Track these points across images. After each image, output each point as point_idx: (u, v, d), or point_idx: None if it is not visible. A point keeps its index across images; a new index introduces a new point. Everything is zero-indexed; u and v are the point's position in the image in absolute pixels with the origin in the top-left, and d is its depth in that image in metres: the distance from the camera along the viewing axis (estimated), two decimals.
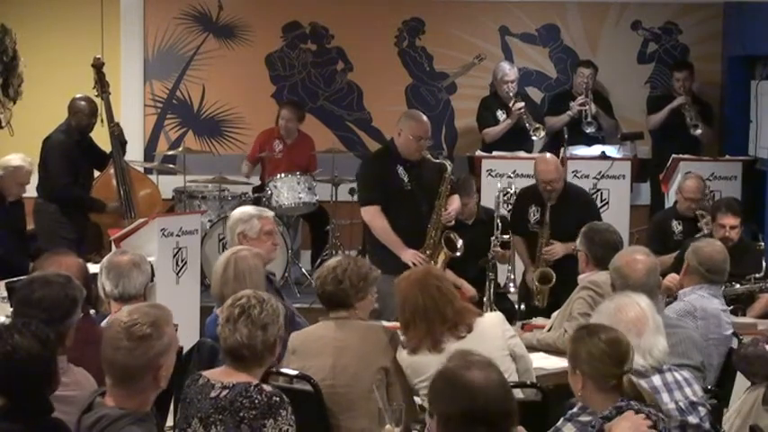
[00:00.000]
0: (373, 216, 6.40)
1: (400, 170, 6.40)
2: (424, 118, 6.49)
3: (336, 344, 4.31)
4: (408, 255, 6.23)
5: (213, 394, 3.49)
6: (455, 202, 6.51)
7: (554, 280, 6.53)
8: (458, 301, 4.35)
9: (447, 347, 4.13)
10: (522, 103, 8.66)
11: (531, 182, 7.09)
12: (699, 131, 8.71)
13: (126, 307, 3.20)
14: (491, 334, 4.28)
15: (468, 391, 2.73)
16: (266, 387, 3.51)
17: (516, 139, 8.70)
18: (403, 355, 4.26)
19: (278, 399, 3.45)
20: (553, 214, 6.76)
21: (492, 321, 4.38)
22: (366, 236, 6.74)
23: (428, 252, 6.33)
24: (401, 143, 6.40)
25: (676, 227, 7.20)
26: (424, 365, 4.12)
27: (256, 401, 3.43)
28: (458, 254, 6.34)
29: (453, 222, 6.46)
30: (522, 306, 6.91)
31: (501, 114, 8.81)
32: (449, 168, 6.42)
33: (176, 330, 4.95)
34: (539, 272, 6.65)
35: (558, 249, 6.70)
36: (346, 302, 4.37)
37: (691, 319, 4.73)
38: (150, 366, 3.09)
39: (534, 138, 8.61)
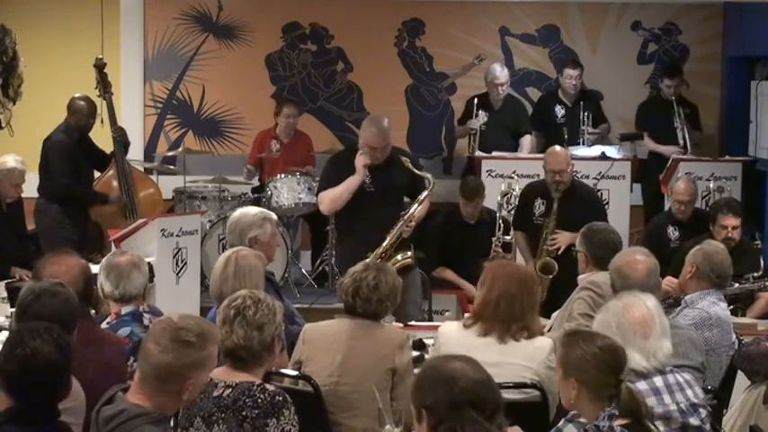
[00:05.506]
0: (323, 196, 6.18)
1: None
2: (378, 128, 6.05)
3: (350, 342, 4.30)
4: (359, 159, 6.01)
5: (216, 393, 3.49)
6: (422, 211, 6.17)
7: (556, 271, 6.52)
8: (536, 313, 4.36)
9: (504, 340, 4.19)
10: (478, 125, 8.62)
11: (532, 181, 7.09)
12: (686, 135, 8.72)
13: (182, 313, 3.18)
14: (537, 356, 4.22)
15: (451, 377, 2.76)
16: (269, 386, 3.51)
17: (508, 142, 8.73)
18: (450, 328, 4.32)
19: (281, 398, 3.46)
20: (558, 208, 6.78)
21: (542, 344, 4.29)
22: (334, 237, 6.54)
23: (381, 257, 5.93)
24: (360, 145, 6.17)
25: (672, 233, 7.11)
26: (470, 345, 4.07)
27: (259, 401, 3.43)
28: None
29: (409, 235, 6.10)
30: None
31: (483, 115, 8.78)
32: (430, 184, 6.08)
33: None
34: (541, 262, 6.63)
35: (563, 238, 6.68)
36: (377, 317, 4.38)
37: (707, 329, 4.71)
38: (180, 374, 3.05)
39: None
